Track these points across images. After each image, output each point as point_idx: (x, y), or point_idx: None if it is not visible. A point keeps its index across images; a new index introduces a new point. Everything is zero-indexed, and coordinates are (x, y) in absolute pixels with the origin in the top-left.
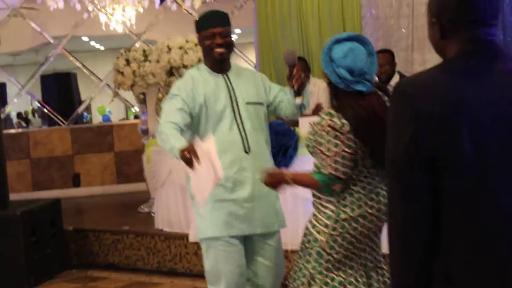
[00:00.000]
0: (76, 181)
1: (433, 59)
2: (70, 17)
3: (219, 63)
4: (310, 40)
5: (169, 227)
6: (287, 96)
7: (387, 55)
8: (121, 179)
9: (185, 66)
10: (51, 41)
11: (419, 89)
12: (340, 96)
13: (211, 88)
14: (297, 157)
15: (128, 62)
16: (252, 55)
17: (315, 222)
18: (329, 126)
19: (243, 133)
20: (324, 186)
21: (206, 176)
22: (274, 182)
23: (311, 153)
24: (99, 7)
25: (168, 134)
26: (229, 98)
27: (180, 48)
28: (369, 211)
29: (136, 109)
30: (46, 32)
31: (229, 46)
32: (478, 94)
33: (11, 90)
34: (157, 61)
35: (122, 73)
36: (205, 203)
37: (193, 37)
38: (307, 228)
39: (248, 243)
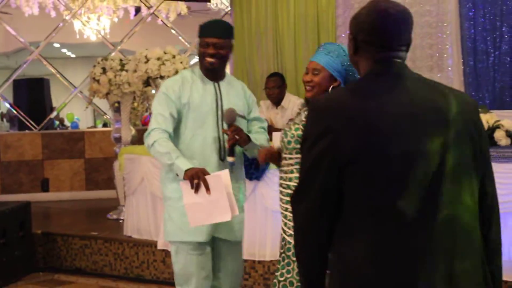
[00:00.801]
0: (45, 186)
1: None
2: (43, 23)
3: (209, 72)
4: (285, 57)
5: (138, 234)
6: (259, 133)
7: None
8: (90, 185)
9: (162, 77)
10: (28, 46)
11: (331, 107)
12: None
13: (198, 91)
14: (269, 170)
15: (104, 70)
16: (227, 68)
17: (288, 229)
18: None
19: (222, 141)
20: None
21: (213, 206)
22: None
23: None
24: (74, 15)
25: (167, 148)
26: (215, 105)
27: (158, 59)
28: None
29: (108, 116)
30: (20, 38)
31: (221, 58)
32: (382, 111)
33: None
34: (134, 71)
35: (98, 81)
36: (196, 225)
37: (171, 49)
38: (283, 238)
39: (214, 246)
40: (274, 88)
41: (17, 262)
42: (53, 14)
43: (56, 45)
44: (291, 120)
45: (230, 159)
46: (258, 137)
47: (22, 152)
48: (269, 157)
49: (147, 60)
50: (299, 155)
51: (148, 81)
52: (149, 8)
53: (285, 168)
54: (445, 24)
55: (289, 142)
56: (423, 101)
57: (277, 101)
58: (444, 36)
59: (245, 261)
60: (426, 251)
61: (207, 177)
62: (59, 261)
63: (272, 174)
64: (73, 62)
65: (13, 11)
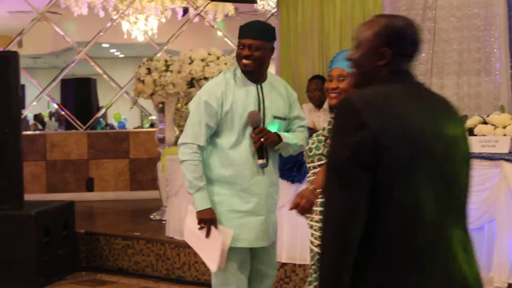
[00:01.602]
0: (89, 186)
1: (450, 84)
2: (92, 23)
3: (246, 74)
4: (330, 59)
5: (179, 235)
6: (298, 132)
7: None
8: (134, 186)
9: (206, 78)
10: (75, 46)
11: (365, 104)
12: None
13: (241, 95)
14: None
15: (149, 71)
16: (273, 70)
17: (315, 241)
18: None
19: (264, 145)
20: None
21: (206, 248)
22: (307, 203)
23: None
24: (122, 15)
25: (192, 176)
26: (257, 108)
27: (202, 60)
28: None
29: (153, 117)
30: (68, 37)
31: (256, 60)
32: (411, 113)
33: (29, 92)
34: (179, 72)
35: (143, 82)
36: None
37: (215, 50)
38: (311, 250)
39: (251, 248)
40: (316, 91)
41: (60, 261)
42: (101, 14)
43: (105, 45)
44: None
45: (259, 161)
46: (296, 136)
47: (68, 152)
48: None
49: (191, 61)
50: (321, 162)
51: (192, 82)
52: (195, 9)
53: (310, 178)
54: (493, 27)
55: (310, 149)
56: (436, 104)
57: (318, 103)
58: (492, 39)
59: (286, 264)
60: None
61: (212, 229)
62: (101, 260)
63: None
64: (122, 62)
65: (63, 11)
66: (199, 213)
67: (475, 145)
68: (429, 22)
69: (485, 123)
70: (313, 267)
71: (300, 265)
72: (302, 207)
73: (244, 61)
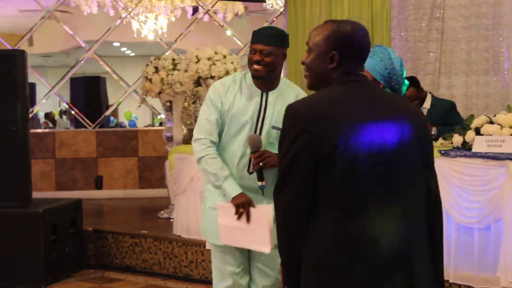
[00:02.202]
0: (98, 184)
1: (459, 83)
2: (102, 22)
3: (256, 79)
4: None
5: (187, 233)
6: None
7: None
8: (143, 184)
9: (212, 77)
10: (83, 45)
11: (307, 111)
12: None
13: (242, 99)
14: None
15: (157, 69)
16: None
17: None
18: None
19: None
20: None
21: (252, 235)
22: None
23: None
24: (132, 14)
25: (215, 168)
26: (256, 116)
27: (209, 59)
28: None
29: (162, 116)
30: (78, 36)
31: (267, 65)
32: (352, 115)
33: (40, 91)
34: (185, 71)
35: (150, 80)
36: (229, 244)
37: (222, 49)
38: None
39: None
40: None
41: (68, 259)
42: (111, 13)
43: (116, 44)
44: None
45: (259, 183)
46: None
47: (77, 150)
48: None
49: (198, 60)
50: None
51: (199, 81)
52: (204, 8)
53: None
54: (501, 27)
55: None
56: (386, 105)
57: None
58: (501, 39)
59: None
60: (385, 240)
61: (252, 211)
62: (109, 258)
63: None
64: (132, 61)
65: (73, 10)
66: (233, 199)
67: (481, 144)
68: (437, 21)
69: (491, 122)
70: None
71: None
72: None
73: (255, 66)
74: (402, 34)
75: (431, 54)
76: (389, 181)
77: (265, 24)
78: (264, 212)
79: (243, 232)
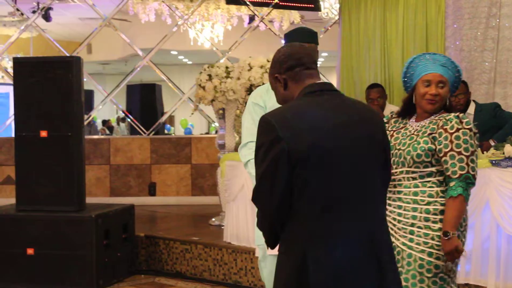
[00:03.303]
0: (152, 190)
1: None
2: (160, 30)
3: None
4: (392, 67)
5: (237, 240)
6: None
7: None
8: (195, 191)
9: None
10: (139, 52)
11: (280, 120)
12: (453, 108)
13: None
14: None
15: (210, 77)
16: (334, 78)
17: (430, 249)
18: (465, 126)
19: None
20: (467, 197)
21: None
22: (457, 255)
23: (431, 161)
24: (189, 22)
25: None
26: None
27: (261, 67)
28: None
29: (216, 124)
30: (136, 44)
31: None
32: (319, 120)
33: (98, 98)
34: (238, 78)
35: (203, 88)
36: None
37: None
38: (421, 259)
39: None
40: (379, 99)
41: (120, 263)
42: (169, 21)
43: (174, 52)
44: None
45: None
46: None
47: (131, 156)
48: None
49: (250, 68)
50: (427, 169)
51: (251, 89)
52: (259, 16)
53: (405, 182)
54: None
55: (419, 156)
56: (349, 109)
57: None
58: None
59: None
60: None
61: None
62: (160, 264)
63: None
64: (189, 69)
65: (131, 18)
66: None
67: None
68: (492, 30)
69: None
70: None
71: None
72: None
73: None
74: (457, 43)
75: (486, 63)
76: (357, 179)
77: (320, 35)
78: None
79: None
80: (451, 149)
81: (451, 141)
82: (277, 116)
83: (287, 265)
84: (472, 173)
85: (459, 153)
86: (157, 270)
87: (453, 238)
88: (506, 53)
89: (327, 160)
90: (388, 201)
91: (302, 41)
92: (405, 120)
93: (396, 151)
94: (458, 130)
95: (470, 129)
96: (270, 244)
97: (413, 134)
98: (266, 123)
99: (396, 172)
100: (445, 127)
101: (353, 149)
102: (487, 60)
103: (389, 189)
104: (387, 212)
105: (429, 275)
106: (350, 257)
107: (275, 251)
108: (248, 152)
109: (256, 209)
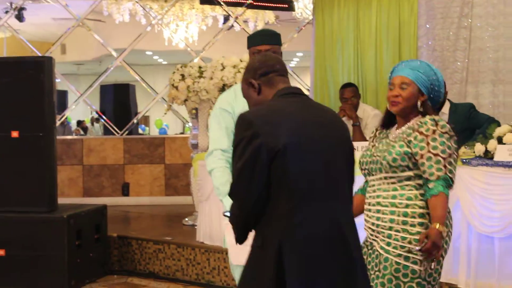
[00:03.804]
0: (125, 190)
1: (486, 92)
2: (134, 30)
3: None
4: (366, 67)
5: (210, 240)
6: None
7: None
8: (169, 191)
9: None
10: (113, 52)
11: (257, 117)
12: (429, 110)
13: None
14: None
15: (183, 77)
16: (308, 77)
17: (395, 250)
18: (440, 129)
19: None
20: (447, 196)
21: None
22: (434, 246)
23: (408, 165)
24: (163, 23)
25: (219, 182)
26: None
27: (234, 67)
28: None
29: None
30: (110, 44)
31: None
32: (293, 118)
33: (73, 99)
34: (211, 78)
35: (176, 88)
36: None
37: (248, 57)
38: (397, 263)
39: None
40: (353, 98)
41: (92, 264)
42: (143, 21)
43: (149, 52)
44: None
45: None
46: None
47: (104, 157)
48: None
49: (223, 68)
50: (404, 173)
51: (224, 89)
52: (235, 17)
53: (383, 186)
54: None
55: (394, 160)
56: (317, 109)
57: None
58: None
59: None
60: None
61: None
62: (133, 264)
63: None
64: (164, 69)
65: (106, 18)
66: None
67: (504, 154)
68: (464, 30)
69: None
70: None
71: None
72: (426, 249)
73: None
74: (430, 43)
75: (458, 63)
76: (329, 174)
77: (294, 34)
78: None
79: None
80: (428, 151)
81: (428, 143)
82: (255, 113)
83: (264, 258)
84: (450, 175)
85: (436, 155)
86: (129, 270)
87: (439, 231)
88: (478, 52)
89: (302, 154)
90: (367, 206)
91: (263, 43)
92: (388, 130)
93: (374, 157)
94: (434, 132)
95: (446, 132)
96: (241, 239)
97: (391, 141)
98: (244, 120)
99: (375, 179)
100: (420, 129)
101: (324, 145)
102: (459, 59)
103: (369, 194)
104: (367, 218)
105: (405, 280)
106: (324, 249)
107: (242, 261)
108: (211, 161)
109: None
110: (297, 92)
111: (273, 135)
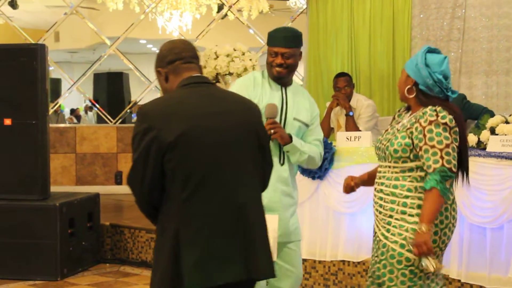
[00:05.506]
0: (118, 179)
1: (479, 83)
2: (128, 19)
3: (276, 79)
4: (359, 57)
5: None
6: (313, 145)
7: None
8: None
9: (230, 74)
10: (106, 41)
11: (152, 110)
12: (427, 98)
13: (266, 93)
14: (332, 170)
15: None
16: (301, 67)
17: (392, 236)
18: (439, 120)
19: (282, 146)
20: (442, 190)
21: None
22: (425, 248)
23: (409, 156)
24: (157, 11)
25: None
26: (280, 108)
27: (227, 55)
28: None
29: None
30: (104, 32)
31: (289, 67)
32: (193, 109)
33: (67, 87)
34: (204, 67)
35: None
36: None
37: (241, 46)
38: (383, 244)
39: None
40: (346, 88)
41: (84, 252)
42: (137, 9)
43: (143, 41)
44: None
45: None
46: (310, 148)
47: (98, 145)
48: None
49: (217, 57)
50: (406, 164)
51: (217, 78)
52: (229, 6)
53: (387, 175)
54: None
55: (395, 151)
56: (221, 99)
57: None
58: None
59: (306, 260)
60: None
61: None
62: (125, 253)
63: (335, 174)
64: None
65: (99, 6)
66: None
67: (496, 144)
68: (458, 21)
69: (507, 122)
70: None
71: (320, 261)
72: (417, 254)
73: (278, 69)
74: (423, 33)
75: (452, 53)
76: (227, 162)
77: (288, 23)
78: (269, 222)
79: None
80: (425, 143)
81: (424, 135)
82: (151, 106)
83: (164, 247)
84: (447, 166)
85: (433, 146)
86: (122, 259)
87: (426, 233)
88: (472, 43)
89: (197, 145)
90: (374, 191)
91: (281, 45)
92: (404, 115)
93: (381, 145)
94: (431, 123)
95: (445, 123)
96: (151, 221)
97: (397, 130)
98: (140, 114)
99: (382, 165)
100: (420, 120)
101: (224, 134)
102: (453, 50)
103: (376, 179)
104: (374, 200)
105: (399, 267)
106: (220, 234)
107: None
108: None
109: None
110: (201, 81)
111: (166, 128)
